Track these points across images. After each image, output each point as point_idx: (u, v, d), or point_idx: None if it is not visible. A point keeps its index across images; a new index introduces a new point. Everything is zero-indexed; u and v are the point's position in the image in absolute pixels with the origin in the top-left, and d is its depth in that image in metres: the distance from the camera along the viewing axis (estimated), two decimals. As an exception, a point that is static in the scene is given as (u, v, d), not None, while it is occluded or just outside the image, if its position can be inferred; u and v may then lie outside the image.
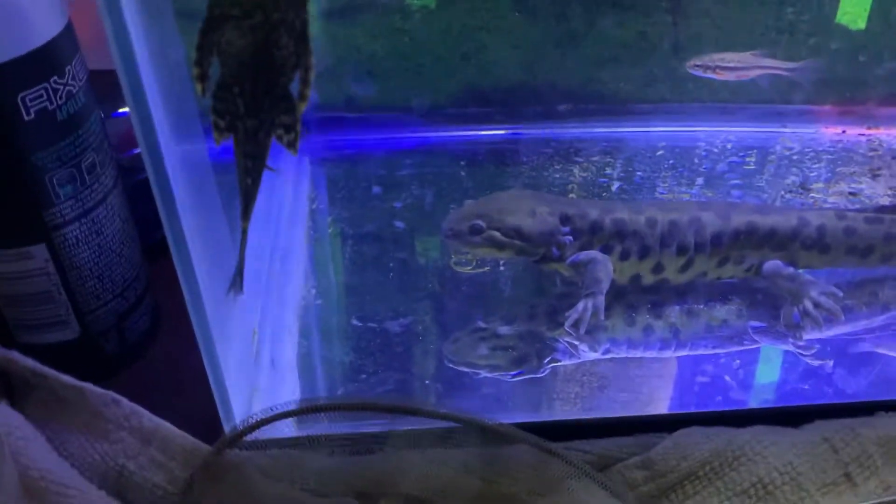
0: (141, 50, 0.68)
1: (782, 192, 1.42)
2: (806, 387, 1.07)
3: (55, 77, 0.90)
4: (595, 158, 1.54)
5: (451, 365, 1.07)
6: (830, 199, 1.40)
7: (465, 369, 1.07)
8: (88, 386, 0.91)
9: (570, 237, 1.15)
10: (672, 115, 1.60)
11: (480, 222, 1.13)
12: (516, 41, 1.59)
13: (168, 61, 0.77)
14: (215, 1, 0.69)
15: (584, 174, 1.49)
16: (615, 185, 1.45)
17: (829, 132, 1.60)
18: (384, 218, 1.37)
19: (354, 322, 1.16)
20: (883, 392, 1.05)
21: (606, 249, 1.16)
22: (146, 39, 0.70)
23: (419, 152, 1.58)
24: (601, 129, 1.61)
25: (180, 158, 0.77)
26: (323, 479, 0.86)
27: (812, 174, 1.48)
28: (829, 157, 1.53)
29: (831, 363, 1.10)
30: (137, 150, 0.92)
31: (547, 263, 1.17)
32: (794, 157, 1.54)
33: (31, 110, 0.89)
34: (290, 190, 1.41)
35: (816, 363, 1.10)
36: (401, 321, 1.16)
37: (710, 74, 1.44)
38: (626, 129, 1.61)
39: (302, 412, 0.85)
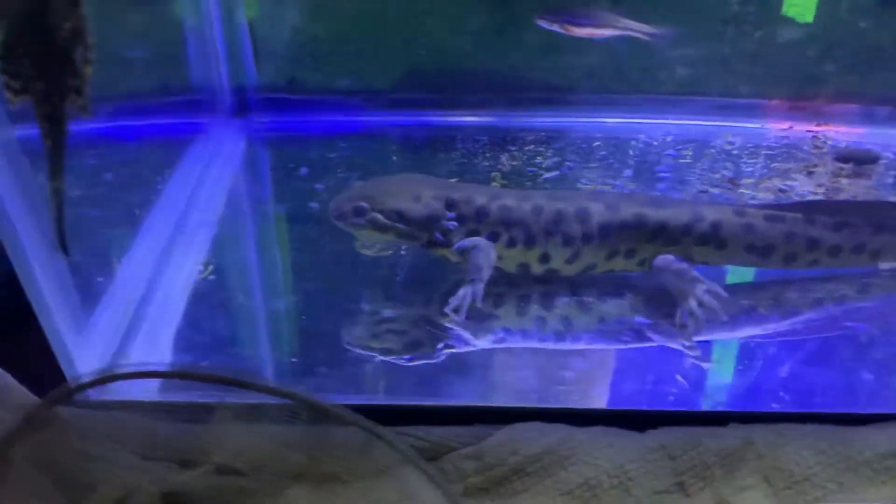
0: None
1: (707, 187, 1.38)
2: (674, 390, 1.03)
3: None
4: (529, 147, 1.52)
5: (347, 347, 1.07)
6: (759, 195, 1.36)
7: (360, 351, 1.08)
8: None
9: (455, 223, 1.14)
10: (614, 107, 1.57)
11: (364, 204, 1.13)
12: (460, 27, 1.59)
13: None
14: None
15: (514, 163, 1.47)
16: (542, 176, 1.43)
17: (776, 128, 1.55)
18: (301, 199, 1.38)
19: (241, 300, 1.17)
20: (749, 402, 1.01)
21: (493, 237, 1.14)
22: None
23: (357, 136, 1.59)
24: (541, 119, 1.59)
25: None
26: (146, 443, 0.88)
27: (747, 169, 1.43)
28: (770, 152, 1.48)
29: (707, 366, 1.05)
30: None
31: (433, 249, 1.16)
32: (734, 152, 1.49)
33: None
34: (217, 171, 1.44)
35: (706, 365, 1.06)
36: (289, 299, 1.17)
37: (555, 27, 1.39)
38: (567, 120, 1.59)
39: (128, 376, 0.86)
